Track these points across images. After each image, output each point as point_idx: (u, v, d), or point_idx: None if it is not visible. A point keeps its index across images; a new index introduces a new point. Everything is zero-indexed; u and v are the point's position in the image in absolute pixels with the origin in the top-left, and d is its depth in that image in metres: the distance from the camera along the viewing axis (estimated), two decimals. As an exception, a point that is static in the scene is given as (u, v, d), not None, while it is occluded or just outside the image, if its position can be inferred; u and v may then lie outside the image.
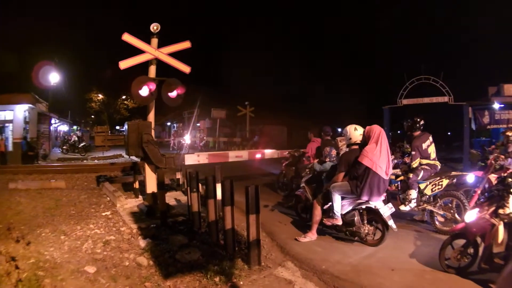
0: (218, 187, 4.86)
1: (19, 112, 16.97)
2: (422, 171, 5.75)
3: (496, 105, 17.48)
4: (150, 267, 4.02)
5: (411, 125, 6.08)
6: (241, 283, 3.68)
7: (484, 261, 3.73)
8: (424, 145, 5.83)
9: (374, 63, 64.32)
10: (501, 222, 3.65)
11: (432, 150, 5.91)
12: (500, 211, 3.73)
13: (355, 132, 5.15)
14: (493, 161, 6.14)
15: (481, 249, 3.84)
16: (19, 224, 5.61)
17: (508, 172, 5.68)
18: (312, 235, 5.20)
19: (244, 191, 3.97)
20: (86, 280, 3.65)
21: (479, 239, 3.88)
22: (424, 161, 5.82)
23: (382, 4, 77.19)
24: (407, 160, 6.23)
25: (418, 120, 6.02)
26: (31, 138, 17.36)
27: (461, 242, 4.03)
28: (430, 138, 5.95)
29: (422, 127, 6.04)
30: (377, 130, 4.86)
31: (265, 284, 3.70)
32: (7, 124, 17.12)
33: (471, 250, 3.93)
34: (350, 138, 5.17)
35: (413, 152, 5.83)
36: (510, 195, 3.83)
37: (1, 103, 16.70)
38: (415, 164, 5.78)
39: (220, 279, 3.69)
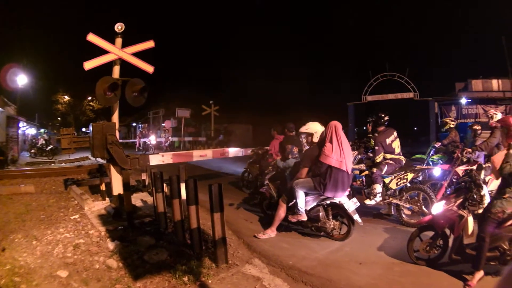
0: (182, 187, 4.82)
1: (-12, 116, 16.32)
2: (386, 166, 5.85)
3: (463, 100, 18.13)
4: (120, 269, 3.99)
5: (375, 121, 6.21)
6: (210, 281, 3.69)
7: (455, 252, 3.80)
8: (388, 140, 5.93)
9: (341, 60, 65.07)
10: (470, 214, 3.74)
11: (396, 145, 6.00)
12: (481, 205, 3.84)
13: (323, 128, 5.16)
14: (459, 154, 6.35)
15: (450, 241, 3.91)
16: (-6, 230, 5.48)
17: (476, 164, 5.90)
18: (271, 232, 5.23)
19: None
20: (59, 285, 3.62)
21: (447, 231, 3.96)
22: (388, 156, 5.93)
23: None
24: (371, 155, 6.35)
25: (383, 115, 6.13)
26: (1, 143, 16.76)
27: (429, 234, 4.09)
28: (395, 133, 6.05)
29: (386, 123, 6.16)
30: (330, 127, 4.90)
31: (234, 282, 3.72)
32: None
33: (440, 242, 4.01)
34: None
35: (376, 147, 5.93)
36: (480, 188, 3.94)
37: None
38: (378, 159, 5.89)
39: (188, 279, 3.69)
